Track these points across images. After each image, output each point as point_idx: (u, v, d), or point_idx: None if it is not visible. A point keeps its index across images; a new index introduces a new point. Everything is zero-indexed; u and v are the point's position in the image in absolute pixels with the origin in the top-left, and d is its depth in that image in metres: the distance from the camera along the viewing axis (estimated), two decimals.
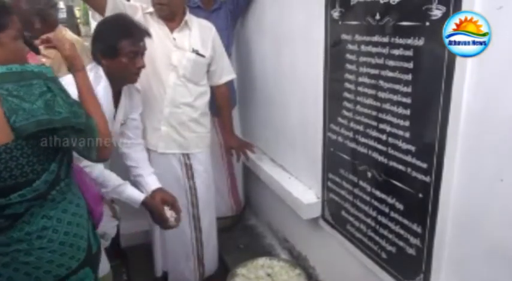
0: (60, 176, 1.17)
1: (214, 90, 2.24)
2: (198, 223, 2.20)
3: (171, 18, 2.03)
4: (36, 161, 1.08)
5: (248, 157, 2.44)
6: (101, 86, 1.65)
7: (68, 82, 1.30)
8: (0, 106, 1.00)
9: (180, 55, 2.03)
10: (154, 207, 1.76)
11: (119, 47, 1.66)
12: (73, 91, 1.26)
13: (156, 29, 2.02)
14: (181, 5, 2.05)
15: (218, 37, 2.17)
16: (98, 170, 1.65)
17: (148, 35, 1.76)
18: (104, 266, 1.81)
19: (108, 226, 1.78)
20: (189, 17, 2.08)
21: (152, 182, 1.86)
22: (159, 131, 2.09)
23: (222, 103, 2.31)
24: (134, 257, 2.58)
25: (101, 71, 1.67)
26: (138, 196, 1.73)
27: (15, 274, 1.15)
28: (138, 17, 2.02)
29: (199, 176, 2.17)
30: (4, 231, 1.11)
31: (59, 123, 1.06)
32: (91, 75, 1.60)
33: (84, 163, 1.57)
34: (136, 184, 1.84)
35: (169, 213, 1.80)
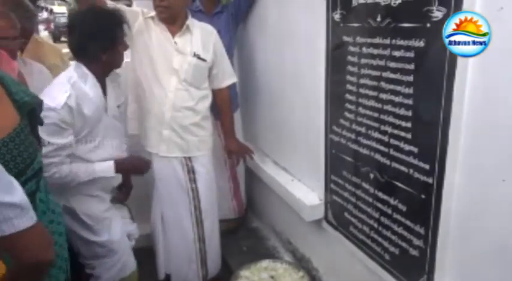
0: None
1: (215, 93, 2.24)
2: (201, 225, 2.20)
3: (172, 21, 2.03)
4: (34, 136, 1.20)
5: (245, 161, 2.45)
6: (88, 86, 1.64)
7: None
8: (4, 90, 1.09)
9: (182, 59, 2.04)
10: (129, 157, 1.83)
11: (116, 36, 1.70)
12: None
13: (158, 33, 2.03)
14: (182, 8, 2.05)
15: (220, 41, 2.17)
16: (65, 168, 1.63)
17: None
18: (131, 263, 1.92)
19: (130, 228, 1.93)
20: (191, 21, 2.08)
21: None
22: (161, 134, 2.09)
23: (223, 107, 2.30)
24: (136, 261, 2.58)
25: (85, 69, 1.66)
26: (108, 163, 1.74)
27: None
28: (140, 21, 2.03)
29: (202, 179, 2.17)
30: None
31: (38, 99, 1.22)
32: (75, 75, 1.64)
33: (55, 169, 1.60)
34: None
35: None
